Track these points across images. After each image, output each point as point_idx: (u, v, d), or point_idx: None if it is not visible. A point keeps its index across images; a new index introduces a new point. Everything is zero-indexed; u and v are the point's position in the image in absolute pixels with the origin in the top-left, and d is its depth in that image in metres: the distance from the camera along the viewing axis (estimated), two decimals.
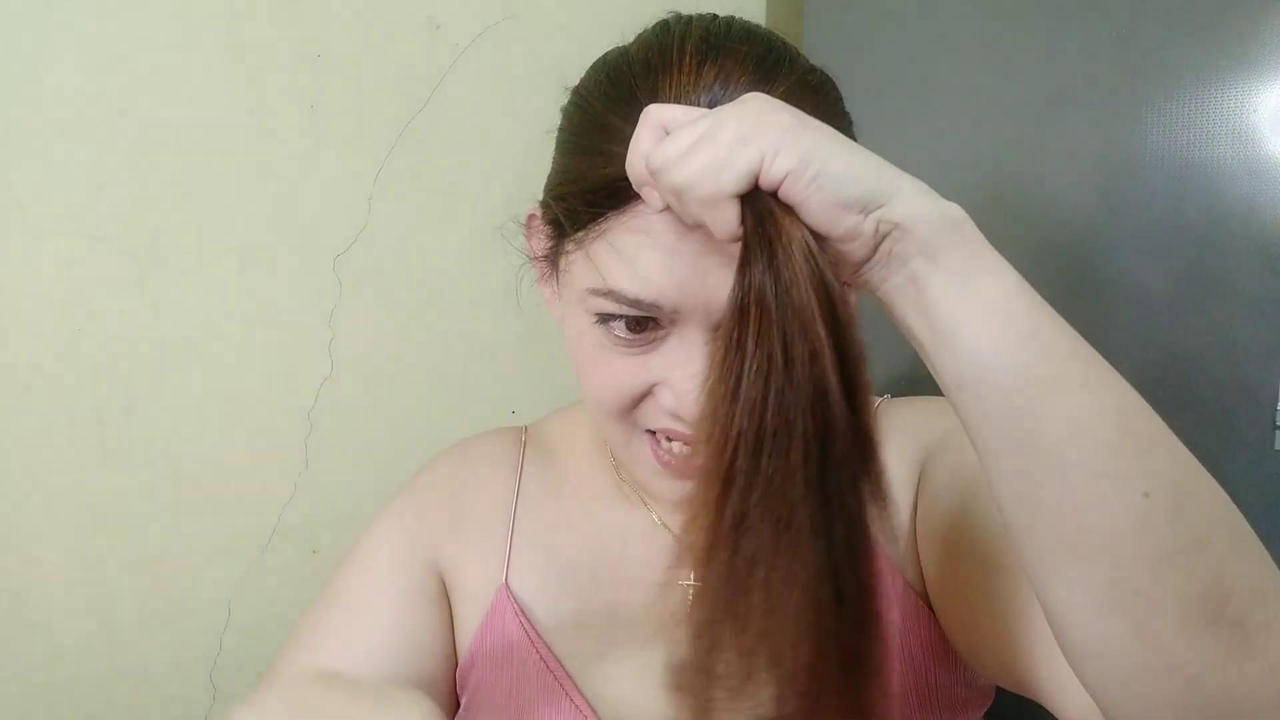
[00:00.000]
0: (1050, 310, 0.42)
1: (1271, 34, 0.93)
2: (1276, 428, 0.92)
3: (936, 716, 0.62)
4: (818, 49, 1.27)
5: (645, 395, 0.55)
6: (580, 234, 0.54)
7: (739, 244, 0.42)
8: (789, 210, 0.41)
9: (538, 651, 0.64)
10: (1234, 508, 0.41)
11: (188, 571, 1.04)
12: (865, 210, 0.41)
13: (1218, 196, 0.96)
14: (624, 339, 0.54)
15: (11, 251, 0.95)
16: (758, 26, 0.57)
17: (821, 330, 0.40)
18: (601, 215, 0.52)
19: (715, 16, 0.57)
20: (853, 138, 0.53)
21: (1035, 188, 1.06)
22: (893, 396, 0.71)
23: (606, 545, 0.67)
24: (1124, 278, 1.01)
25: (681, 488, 0.57)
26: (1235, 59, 0.94)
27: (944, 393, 0.43)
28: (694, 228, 0.47)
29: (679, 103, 0.49)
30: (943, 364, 0.42)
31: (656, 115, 0.45)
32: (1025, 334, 0.40)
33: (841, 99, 0.57)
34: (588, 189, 0.52)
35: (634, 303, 0.52)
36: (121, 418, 1.00)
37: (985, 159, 1.09)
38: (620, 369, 0.55)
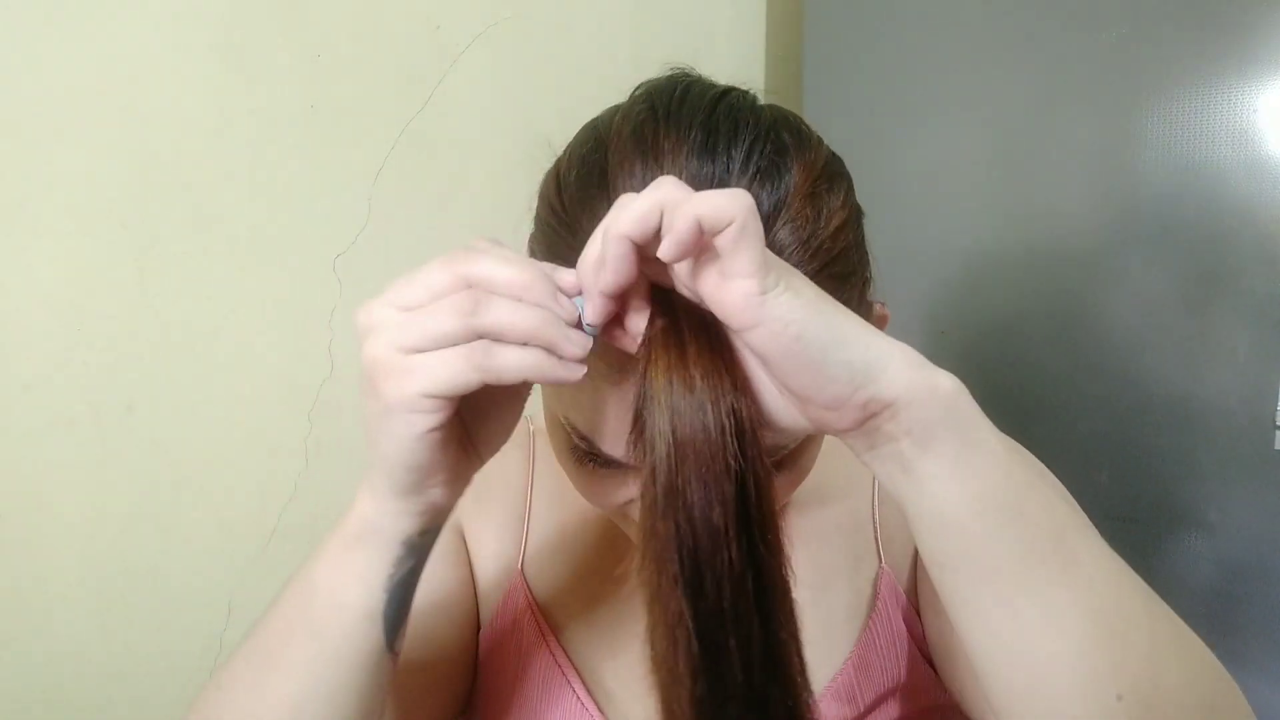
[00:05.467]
0: (1037, 486, 0.41)
1: (1271, 34, 0.93)
2: (1276, 427, 0.92)
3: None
4: (818, 52, 1.27)
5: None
6: None
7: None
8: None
9: (546, 642, 0.64)
10: (1209, 678, 0.41)
11: (188, 571, 1.04)
12: (853, 383, 0.38)
13: (1218, 196, 0.96)
14: (596, 469, 0.51)
15: (11, 251, 0.95)
16: (759, 106, 0.50)
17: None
18: None
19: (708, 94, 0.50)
20: (861, 230, 0.50)
21: (1035, 188, 1.06)
22: None
23: (616, 543, 0.67)
24: (1123, 278, 1.00)
25: None
26: (1235, 59, 0.94)
27: (926, 566, 0.42)
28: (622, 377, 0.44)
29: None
30: (926, 543, 0.41)
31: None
32: (1011, 519, 0.39)
33: (852, 189, 0.51)
34: None
35: (587, 443, 0.49)
36: (121, 418, 1.00)
37: (985, 160, 1.09)
38: (601, 486, 0.53)
